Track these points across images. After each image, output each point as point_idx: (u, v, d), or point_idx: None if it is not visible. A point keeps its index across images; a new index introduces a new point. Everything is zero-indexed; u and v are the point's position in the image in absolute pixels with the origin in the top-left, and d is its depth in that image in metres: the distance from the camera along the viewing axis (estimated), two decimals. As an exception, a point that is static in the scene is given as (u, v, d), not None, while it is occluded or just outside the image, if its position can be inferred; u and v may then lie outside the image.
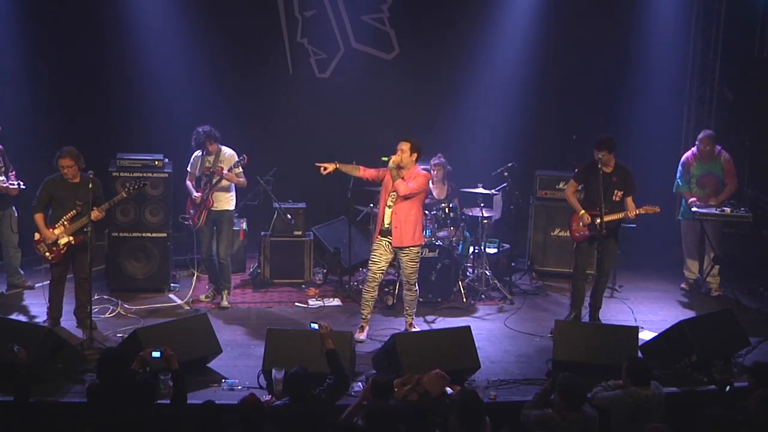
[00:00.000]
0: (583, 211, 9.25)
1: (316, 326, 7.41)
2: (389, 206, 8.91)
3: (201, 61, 11.66)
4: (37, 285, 10.00)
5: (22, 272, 10.14)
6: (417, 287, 9.16)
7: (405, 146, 8.81)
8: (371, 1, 12.23)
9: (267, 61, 12.21)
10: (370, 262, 9.04)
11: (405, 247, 8.92)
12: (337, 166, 8.95)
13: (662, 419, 7.08)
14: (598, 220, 9.06)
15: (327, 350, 7.28)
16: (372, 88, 12.16)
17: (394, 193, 8.86)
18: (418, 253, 9.03)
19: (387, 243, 8.95)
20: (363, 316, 9.12)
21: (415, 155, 8.85)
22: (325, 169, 8.92)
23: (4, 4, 11.11)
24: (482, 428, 6.41)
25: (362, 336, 9.03)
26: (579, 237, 9.40)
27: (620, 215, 9.15)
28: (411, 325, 9.24)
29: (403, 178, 8.81)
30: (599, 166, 9.14)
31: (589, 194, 9.34)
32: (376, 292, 9.15)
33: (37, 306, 9.55)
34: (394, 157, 8.80)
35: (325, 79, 12.35)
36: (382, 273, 9.05)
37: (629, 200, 9.22)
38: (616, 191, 9.17)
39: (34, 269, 10.44)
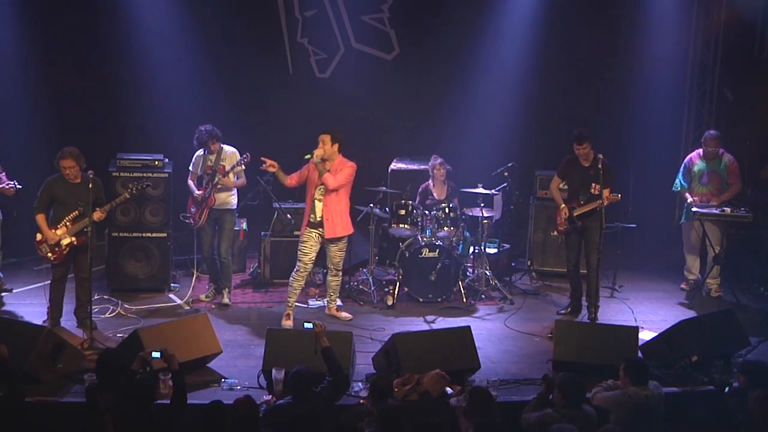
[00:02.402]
0: (563, 205, 9.67)
1: (310, 325, 7.44)
2: (318, 200, 9.25)
3: (201, 61, 11.67)
4: (19, 289, 10.06)
5: (1, 275, 10.11)
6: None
7: (326, 138, 9.17)
8: (371, 1, 12.24)
9: (267, 61, 12.22)
10: (300, 254, 9.34)
11: (336, 239, 9.28)
12: (277, 169, 9.18)
13: (662, 419, 7.09)
14: (575, 213, 9.52)
15: (323, 348, 7.30)
16: (372, 88, 12.16)
17: (322, 187, 9.19)
18: (346, 242, 9.43)
19: (317, 235, 9.29)
20: (289, 305, 9.42)
21: (336, 146, 9.19)
22: (272, 166, 9.14)
23: (5, 4, 11.10)
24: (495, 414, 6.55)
25: (290, 323, 9.30)
26: (562, 230, 9.83)
27: (593, 205, 9.40)
28: (336, 309, 9.60)
29: (329, 171, 9.14)
30: (579, 160, 9.53)
31: (570, 188, 9.78)
32: (304, 282, 9.49)
33: (37, 306, 9.55)
34: (317, 152, 9.12)
35: (325, 79, 12.36)
36: (312, 263, 9.40)
37: (606, 192, 9.35)
38: (593, 184, 9.45)
39: (34, 269, 10.46)
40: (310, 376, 6.84)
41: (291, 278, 9.39)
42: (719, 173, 10.40)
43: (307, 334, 7.76)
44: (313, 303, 10.14)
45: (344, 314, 9.60)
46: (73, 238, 8.88)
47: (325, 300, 10.06)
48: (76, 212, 8.84)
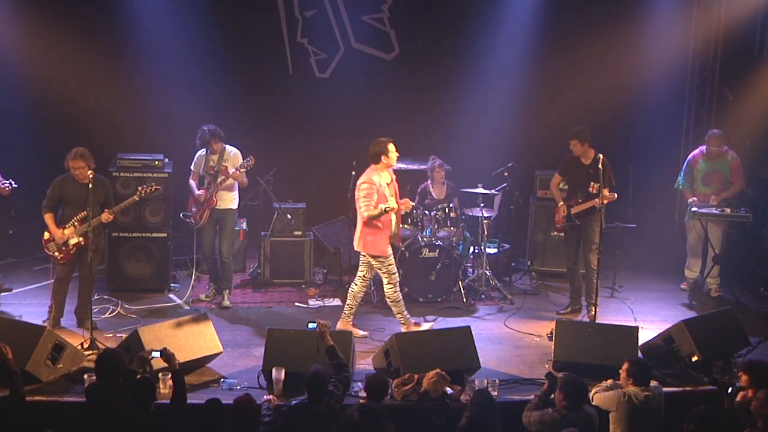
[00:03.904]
0: (561, 203, 9.72)
1: (313, 325, 7.42)
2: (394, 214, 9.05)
3: (201, 61, 11.65)
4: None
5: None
6: None
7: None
8: (371, 1, 12.21)
9: (267, 61, 12.21)
10: (394, 268, 9.04)
11: None
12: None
13: (662, 419, 7.09)
14: (573, 210, 9.58)
15: (327, 347, 7.29)
16: (372, 88, 12.15)
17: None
18: None
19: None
20: (406, 315, 9.13)
21: None
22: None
23: (5, 3, 11.09)
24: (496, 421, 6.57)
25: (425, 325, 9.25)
26: (560, 228, 9.91)
27: (591, 204, 9.43)
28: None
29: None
30: (580, 158, 9.58)
31: (569, 186, 9.84)
32: None
33: (37, 306, 9.56)
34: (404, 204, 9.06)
35: (325, 79, 12.34)
36: None
37: (605, 192, 9.35)
38: (592, 183, 9.47)
39: (34, 269, 10.47)
40: (325, 376, 6.85)
41: (396, 293, 9.05)
42: (722, 173, 10.41)
43: (308, 334, 7.78)
44: (313, 303, 10.14)
45: (359, 331, 9.16)
46: (81, 238, 8.89)
47: (325, 300, 10.11)
48: (85, 213, 8.84)
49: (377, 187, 8.85)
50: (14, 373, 6.72)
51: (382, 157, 8.97)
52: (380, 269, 8.99)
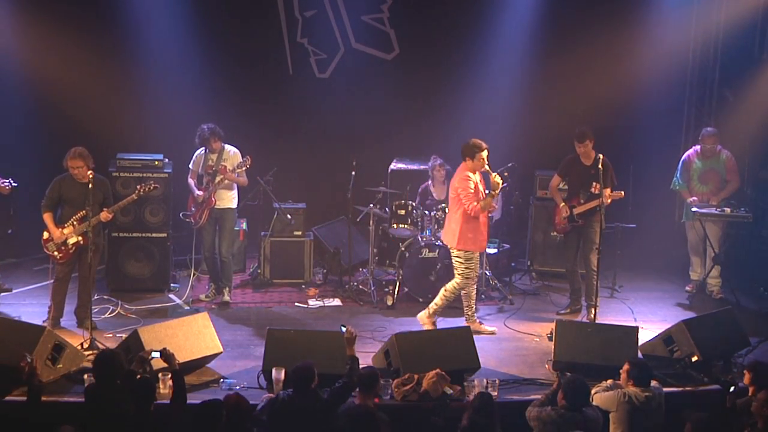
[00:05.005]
0: (563, 204, 9.69)
1: (344, 329, 7.36)
2: None
3: (201, 62, 11.65)
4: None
5: None
6: None
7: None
8: (371, 1, 12.21)
9: (267, 61, 12.21)
10: (470, 272, 9.13)
11: None
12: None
13: (662, 420, 7.09)
14: (576, 211, 9.55)
15: (348, 356, 7.26)
16: (372, 88, 12.15)
17: None
18: None
19: None
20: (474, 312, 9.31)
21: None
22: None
23: (4, 1, 11.09)
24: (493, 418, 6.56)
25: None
26: (560, 229, 9.89)
27: (594, 203, 9.42)
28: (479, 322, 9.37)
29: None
30: (580, 158, 9.58)
31: (570, 187, 9.82)
32: None
33: (37, 306, 9.55)
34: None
35: (325, 79, 12.34)
36: None
37: (606, 191, 9.36)
38: (594, 183, 9.46)
39: (33, 269, 10.46)
40: (310, 371, 6.82)
41: (453, 295, 9.14)
42: (718, 171, 10.41)
43: (308, 334, 7.77)
44: (313, 303, 10.14)
45: (488, 327, 9.37)
46: (80, 238, 8.89)
47: (325, 300, 10.11)
48: (84, 212, 8.85)
49: (474, 182, 8.97)
50: (37, 387, 6.72)
51: (468, 159, 9.07)
52: (458, 267, 9.07)
